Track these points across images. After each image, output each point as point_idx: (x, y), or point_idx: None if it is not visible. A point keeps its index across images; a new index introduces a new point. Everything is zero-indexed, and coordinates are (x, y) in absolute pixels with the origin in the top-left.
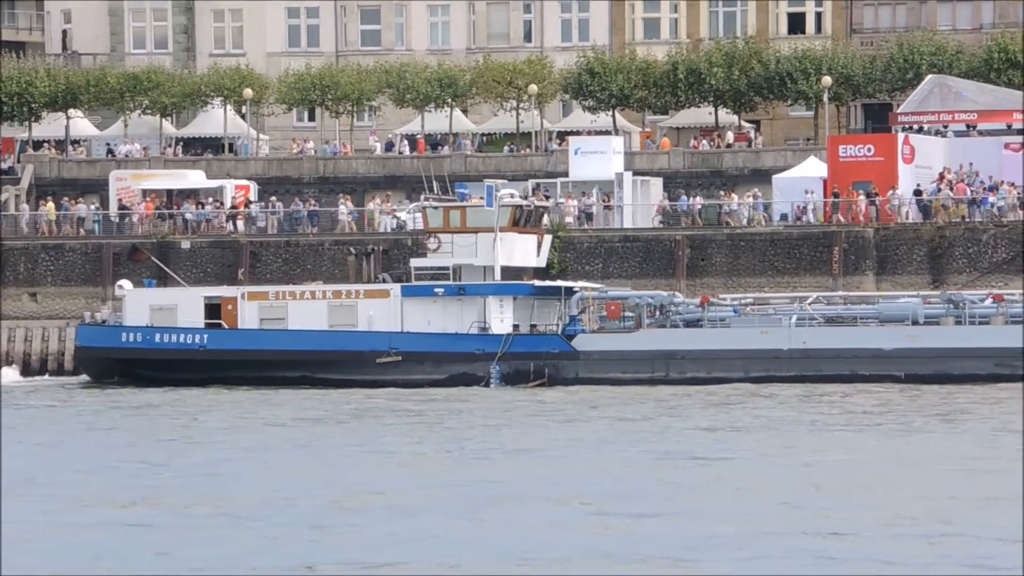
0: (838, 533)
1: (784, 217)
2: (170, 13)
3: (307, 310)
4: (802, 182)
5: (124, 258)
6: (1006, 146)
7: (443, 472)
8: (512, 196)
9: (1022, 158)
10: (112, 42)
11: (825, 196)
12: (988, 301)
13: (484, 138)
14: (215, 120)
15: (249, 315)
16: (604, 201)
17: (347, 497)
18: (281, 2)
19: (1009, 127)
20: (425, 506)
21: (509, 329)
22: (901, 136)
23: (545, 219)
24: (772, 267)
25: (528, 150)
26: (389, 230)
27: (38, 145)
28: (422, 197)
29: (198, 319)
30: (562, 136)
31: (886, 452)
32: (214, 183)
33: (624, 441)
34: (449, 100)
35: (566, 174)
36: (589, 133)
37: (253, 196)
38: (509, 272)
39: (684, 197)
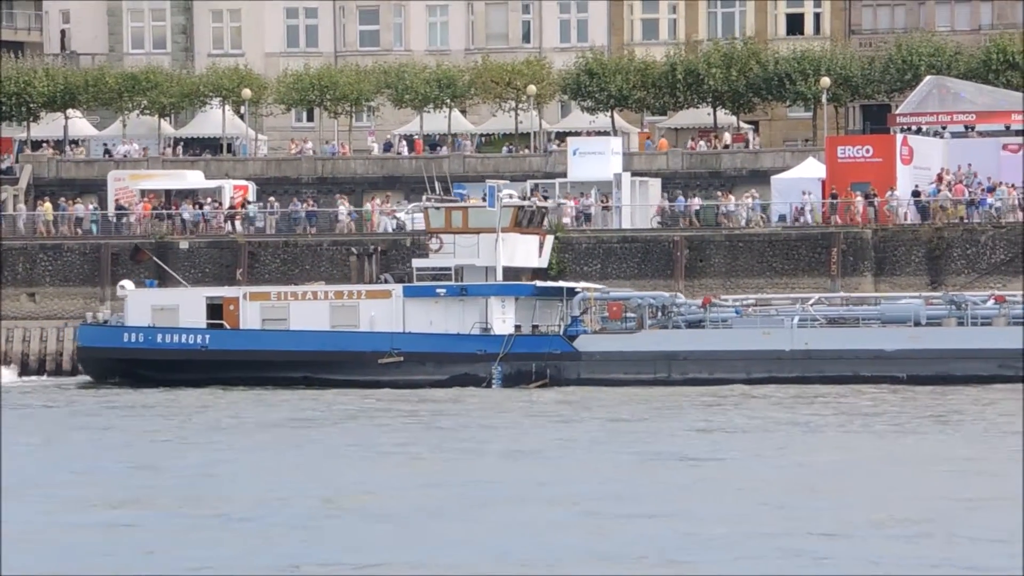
0: (830, 534)
1: (783, 218)
2: (168, 13)
3: (309, 311)
4: (801, 183)
5: (126, 259)
6: (1004, 147)
7: (437, 473)
8: (511, 197)
9: (1021, 159)
10: (110, 42)
11: (823, 197)
12: (990, 302)
13: (483, 139)
14: (213, 120)
15: (251, 315)
16: (602, 202)
17: (340, 497)
18: (280, 2)
19: (1007, 128)
20: (418, 507)
21: (511, 330)
22: (900, 137)
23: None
24: (771, 268)
25: (527, 151)
26: (389, 230)
27: (37, 145)
28: (424, 198)
29: (200, 319)
30: (561, 137)
31: (879, 453)
32: (212, 183)
33: (618, 442)
34: (448, 101)
35: (564, 175)
36: (588, 134)
37: (252, 196)
38: (508, 273)
39: (681, 198)
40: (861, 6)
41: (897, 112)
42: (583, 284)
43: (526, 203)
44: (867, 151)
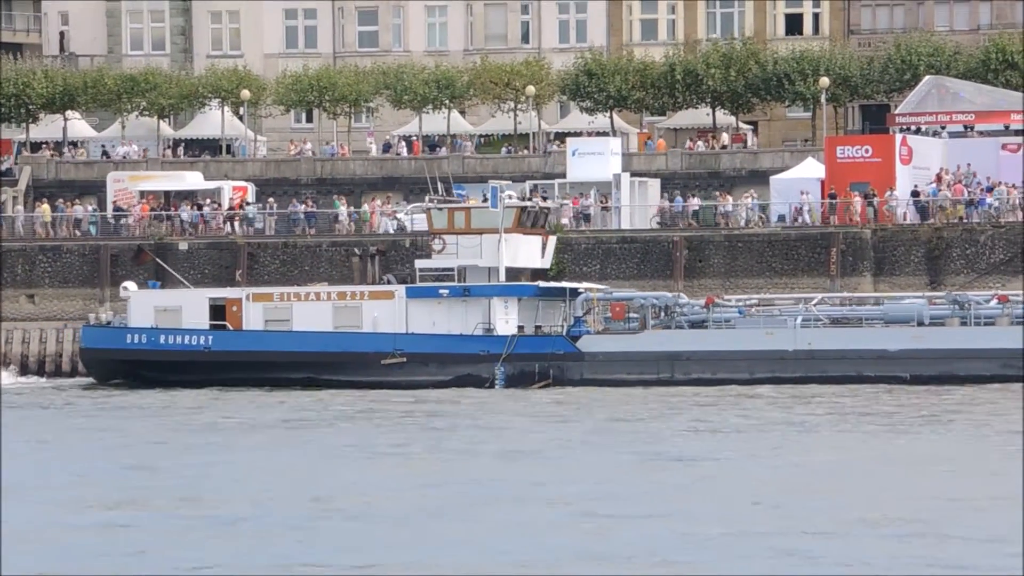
0: (824, 533)
1: (782, 218)
2: (167, 14)
3: (312, 311)
4: (800, 183)
5: (125, 260)
6: (1004, 147)
7: (434, 473)
8: (510, 197)
9: (1020, 159)
10: (109, 43)
11: (822, 197)
12: (993, 302)
13: (482, 139)
14: (213, 121)
15: (254, 316)
16: (602, 202)
17: (337, 498)
18: (279, 3)
19: (1007, 128)
20: (415, 508)
21: (514, 330)
22: (899, 137)
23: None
24: (770, 268)
25: (526, 151)
26: (391, 231)
27: (36, 147)
28: (426, 198)
29: (203, 321)
30: (560, 137)
31: (874, 453)
32: (212, 184)
33: (615, 442)
34: (447, 101)
35: (564, 175)
36: (587, 134)
37: (251, 198)
38: (509, 273)
39: (679, 199)
40: (860, 6)
41: (896, 112)
42: (586, 284)
43: (529, 204)
44: (866, 151)
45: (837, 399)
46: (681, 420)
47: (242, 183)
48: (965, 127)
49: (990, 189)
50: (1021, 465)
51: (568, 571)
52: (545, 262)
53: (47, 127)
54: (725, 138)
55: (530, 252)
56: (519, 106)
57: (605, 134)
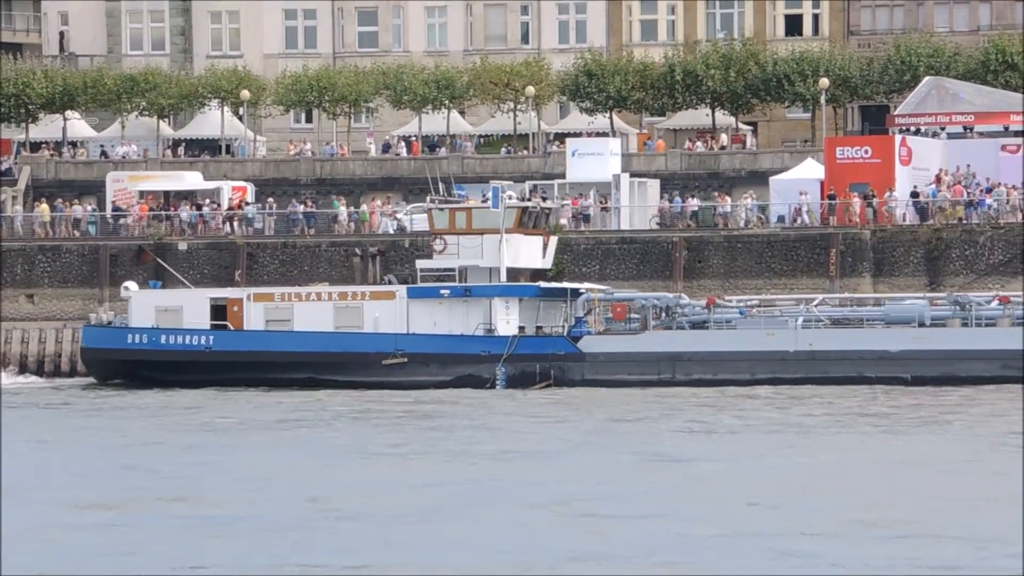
0: (824, 534)
1: (781, 219)
2: (167, 15)
3: (313, 312)
4: (799, 184)
5: (124, 260)
6: (1003, 148)
7: (430, 474)
8: (510, 198)
9: (1020, 160)
10: (109, 43)
11: (822, 198)
12: (994, 303)
13: (481, 140)
14: (212, 122)
15: (255, 316)
16: (601, 203)
17: (334, 499)
18: (278, 3)
19: (1006, 129)
20: (411, 508)
21: (515, 331)
22: (898, 138)
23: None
24: (769, 269)
25: (525, 152)
26: (391, 231)
27: (35, 147)
28: (428, 199)
29: (204, 321)
30: (559, 138)
31: (871, 453)
32: (211, 184)
33: (614, 443)
34: (446, 102)
35: (563, 176)
36: (587, 135)
37: (250, 198)
38: (510, 274)
39: (677, 199)
40: (860, 7)
41: (896, 113)
42: (587, 285)
43: (530, 204)
44: (866, 152)
45: (836, 400)
46: (681, 421)
47: (241, 183)
48: (965, 128)
49: (989, 190)
50: (1021, 465)
51: (568, 571)
52: (546, 262)
53: (47, 127)
54: (724, 139)
55: (531, 252)
56: (519, 106)
57: (605, 135)
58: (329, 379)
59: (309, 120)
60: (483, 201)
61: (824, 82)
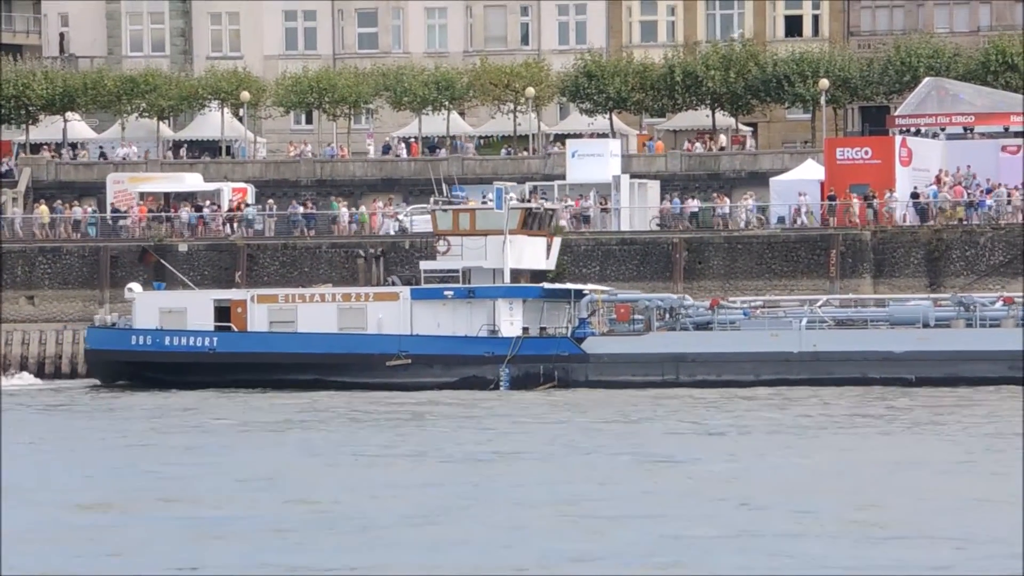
0: (823, 534)
1: (781, 220)
2: (167, 16)
3: (317, 313)
4: (799, 185)
5: (125, 261)
6: (1003, 149)
7: (430, 474)
8: (512, 199)
9: (1020, 160)
10: (109, 45)
11: (822, 199)
12: (999, 304)
13: (481, 141)
14: (212, 123)
15: (259, 318)
16: (601, 204)
17: (331, 499)
18: (278, 5)
19: (1006, 130)
20: (410, 508)
21: (519, 332)
22: (898, 139)
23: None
24: (769, 270)
25: (525, 153)
26: (392, 233)
27: (35, 148)
28: (431, 200)
29: (208, 322)
30: (559, 139)
31: (869, 454)
32: (211, 186)
33: (614, 443)
34: (446, 103)
35: (563, 177)
36: (587, 136)
37: (251, 199)
38: (513, 275)
39: (677, 200)
40: (860, 8)
41: (896, 114)
42: (591, 286)
43: (534, 205)
44: (866, 153)
45: (836, 400)
46: (682, 421)
47: (242, 185)
48: (965, 129)
49: (989, 191)
50: (1021, 465)
51: (567, 571)
52: (550, 264)
53: (47, 128)
54: (724, 140)
55: (535, 254)
56: (519, 108)
57: (605, 136)
58: (333, 380)
59: (309, 121)
60: (483, 202)
61: (824, 83)
